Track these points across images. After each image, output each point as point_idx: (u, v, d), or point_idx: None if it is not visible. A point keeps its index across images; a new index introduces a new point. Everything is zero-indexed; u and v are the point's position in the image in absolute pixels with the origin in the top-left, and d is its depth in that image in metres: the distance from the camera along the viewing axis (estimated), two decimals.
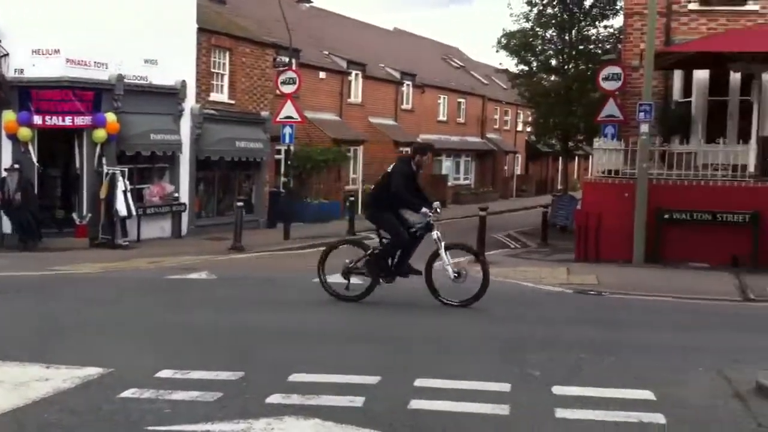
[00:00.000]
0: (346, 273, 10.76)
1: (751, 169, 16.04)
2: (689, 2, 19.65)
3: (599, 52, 29.37)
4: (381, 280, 10.65)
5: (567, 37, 30.11)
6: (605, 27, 30.38)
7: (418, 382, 6.60)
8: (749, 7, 19.25)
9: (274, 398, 6.06)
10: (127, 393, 6.14)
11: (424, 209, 10.26)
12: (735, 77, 18.73)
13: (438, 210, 10.40)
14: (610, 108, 19.69)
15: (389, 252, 10.58)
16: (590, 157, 24.48)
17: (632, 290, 12.76)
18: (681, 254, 15.47)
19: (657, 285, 13.25)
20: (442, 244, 10.39)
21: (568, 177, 37.28)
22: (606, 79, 19.77)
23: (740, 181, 15.75)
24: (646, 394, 6.35)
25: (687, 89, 19.88)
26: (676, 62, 17.96)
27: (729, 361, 7.54)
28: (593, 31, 30.38)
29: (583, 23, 30.02)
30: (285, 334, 8.82)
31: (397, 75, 39.10)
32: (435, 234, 10.33)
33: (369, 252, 10.69)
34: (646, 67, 16.46)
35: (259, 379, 6.61)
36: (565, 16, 29.78)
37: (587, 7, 29.86)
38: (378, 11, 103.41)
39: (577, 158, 52.06)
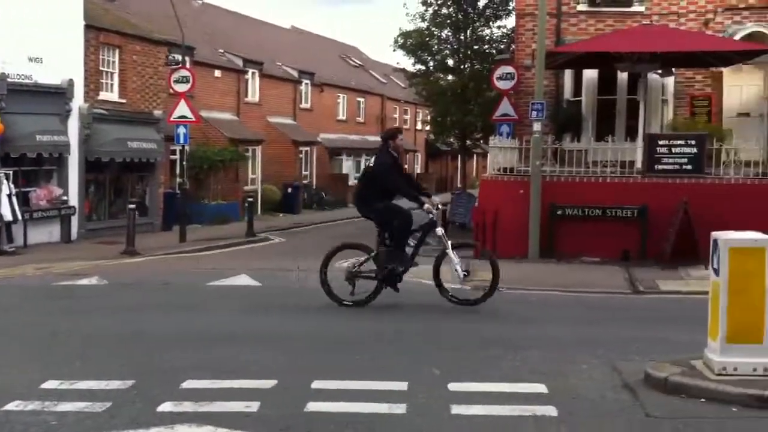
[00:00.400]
0: (351, 277, 10.30)
1: (639, 165, 16.61)
2: (578, 3, 20.21)
3: (494, 52, 29.90)
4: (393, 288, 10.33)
5: (462, 37, 30.53)
6: (499, 27, 31.01)
7: (316, 384, 6.54)
8: (635, 8, 19.94)
9: (166, 406, 5.88)
10: (11, 406, 5.87)
11: (427, 206, 10.09)
12: (622, 77, 19.38)
13: (439, 206, 10.15)
14: (505, 107, 20.05)
15: (402, 237, 10.18)
16: (488, 155, 24.93)
17: (528, 285, 13.01)
18: (574, 249, 15.88)
19: (552, 280, 13.56)
20: (449, 243, 10.28)
21: (466, 175, 37.89)
22: (500, 78, 20.12)
23: (628, 177, 16.29)
24: (540, 388, 6.47)
25: (577, 88, 20.44)
26: (566, 62, 18.42)
27: (620, 352, 7.75)
28: (487, 31, 30.94)
29: (477, 23, 30.50)
30: (179, 339, 8.58)
31: (295, 74, 38.84)
32: (440, 231, 10.18)
33: (373, 254, 10.29)
34: (537, 66, 16.83)
35: (151, 388, 6.41)
36: (459, 16, 30.19)
37: (481, 7, 30.36)
38: (275, 9, 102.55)
39: (475, 156, 52.95)
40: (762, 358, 6.25)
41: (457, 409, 5.91)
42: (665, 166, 15.93)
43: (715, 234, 6.58)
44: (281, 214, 33.31)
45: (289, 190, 34.87)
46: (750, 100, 19.85)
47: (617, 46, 17.09)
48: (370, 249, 10.48)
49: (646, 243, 15.55)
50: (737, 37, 18.94)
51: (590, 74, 20.06)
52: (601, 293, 12.54)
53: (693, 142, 15.89)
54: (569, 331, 9.18)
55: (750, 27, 19.23)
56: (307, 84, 39.79)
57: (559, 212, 16.11)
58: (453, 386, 6.52)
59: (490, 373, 7.00)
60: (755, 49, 17.52)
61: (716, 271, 6.40)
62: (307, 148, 39.11)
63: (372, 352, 7.88)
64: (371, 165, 10.41)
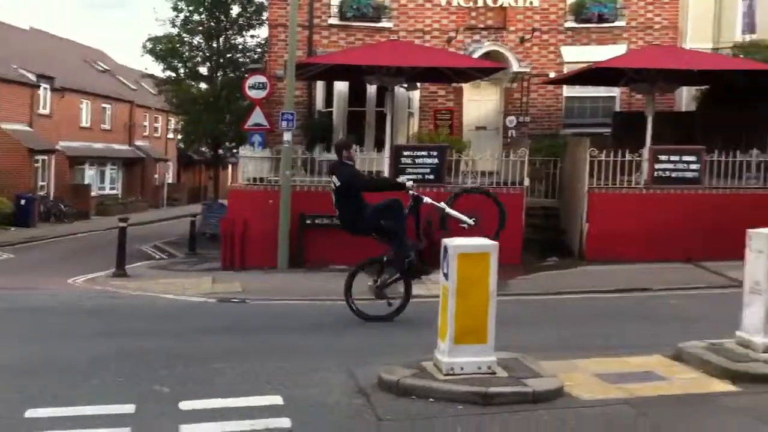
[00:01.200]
0: (380, 291, 10.18)
1: (386, 174, 17.02)
2: (329, 17, 20.49)
3: (247, 61, 29.66)
4: (420, 276, 10.40)
5: (215, 45, 29.99)
6: (252, 36, 30.83)
7: (30, 413, 5.99)
8: (383, 24, 20.57)
9: None
10: None
11: (408, 183, 10.34)
12: (371, 89, 19.87)
13: (414, 183, 10.45)
14: (257, 116, 19.79)
15: (404, 243, 10.01)
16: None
17: (275, 295, 12.86)
18: (324, 258, 15.93)
19: (299, 289, 13.49)
20: (442, 203, 10.61)
21: (219, 185, 37.20)
22: (252, 87, 19.84)
23: None
24: (276, 399, 6.33)
25: (329, 100, 20.69)
26: (317, 73, 18.54)
27: (358, 358, 7.75)
28: (240, 39, 30.64)
29: (230, 32, 30.11)
30: None
31: (33, 77, 36.03)
32: (426, 199, 10.22)
33: (385, 259, 10.14)
34: (288, 77, 16.79)
35: None
36: (212, 23, 29.65)
37: (234, 16, 30.01)
38: (14, 8, 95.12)
39: (230, 166, 52.25)
40: (486, 356, 6.49)
41: (186, 429, 5.65)
42: (410, 176, 16.43)
43: (445, 240, 6.75)
44: (13, 228, 30.61)
45: (23, 201, 32.09)
46: (488, 114, 21.15)
47: (365, 60, 17.45)
48: (380, 257, 10.35)
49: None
50: (476, 55, 20.10)
51: (341, 86, 20.39)
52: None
53: (435, 153, 16.56)
54: (311, 339, 9.10)
55: (488, 46, 20.50)
56: (46, 88, 37.04)
57: (308, 222, 16.12)
58: (184, 405, 6.22)
59: (225, 388, 6.73)
60: (491, 66, 18.66)
61: (446, 276, 6.57)
62: (45, 157, 36.37)
63: (98, 375, 7.28)
64: (337, 183, 10.15)
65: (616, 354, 7.58)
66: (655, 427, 5.65)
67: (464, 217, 10.53)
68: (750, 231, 7.35)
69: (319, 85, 20.74)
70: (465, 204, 11.23)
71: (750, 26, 20.16)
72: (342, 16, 20.50)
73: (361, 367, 7.30)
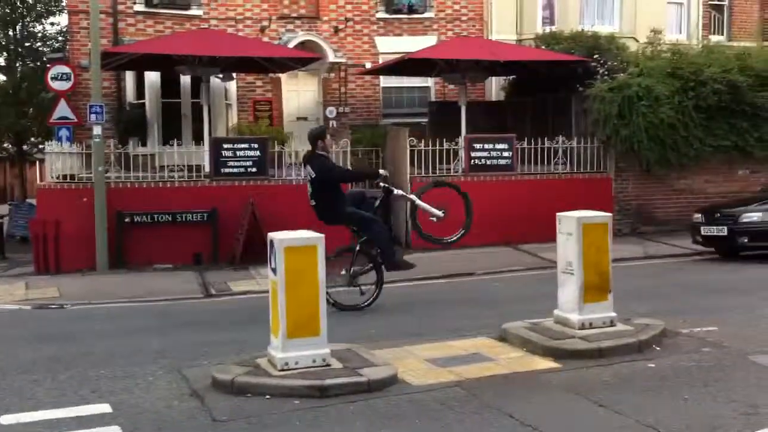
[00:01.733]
0: (353, 280, 10.18)
1: (207, 169, 16.65)
2: (135, 3, 19.69)
3: (47, 50, 28.01)
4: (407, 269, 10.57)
5: (12, 33, 28.07)
6: (52, 24, 29.13)
7: None
8: (193, 11, 20.01)
9: None
10: None
11: (382, 172, 10.58)
12: (186, 80, 19.30)
13: (387, 174, 10.70)
14: (63, 109, 18.75)
15: (384, 238, 10.20)
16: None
17: (96, 299, 12.30)
18: (146, 257, 15.37)
19: (121, 291, 12.97)
20: (412, 195, 10.68)
21: (27, 184, 35.01)
22: (55, 78, 18.76)
23: (197, 181, 16.24)
24: (104, 407, 6.12)
25: (141, 91, 19.90)
26: (126, 63, 17.77)
27: (189, 359, 7.60)
28: (40, 27, 28.85)
29: (27, 19, 28.26)
30: None
31: None
32: (397, 191, 10.49)
33: (357, 249, 10.17)
34: (93, 67, 15.98)
35: None
36: (6, 9, 27.69)
37: (31, 2, 28.20)
38: None
39: (38, 163, 49.20)
40: (320, 349, 6.53)
41: None
42: (231, 170, 16.18)
43: (271, 234, 6.71)
44: None
45: None
46: (307, 105, 21.15)
47: (175, 49, 16.90)
48: (352, 247, 10.36)
49: (218, 246, 15.64)
50: (291, 45, 20.00)
51: (153, 77, 19.67)
52: (173, 300, 12.26)
53: (256, 146, 16.36)
54: (138, 343, 8.77)
55: (302, 35, 20.46)
56: None
57: (127, 220, 15.48)
58: (5, 419, 5.91)
59: (49, 399, 6.43)
60: (307, 56, 18.66)
61: (274, 270, 6.53)
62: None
63: None
64: (312, 174, 10.12)
65: (446, 338, 7.86)
66: (485, 406, 5.90)
67: (434, 210, 10.55)
68: (559, 215, 7.82)
69: (129, 76, 19.90)
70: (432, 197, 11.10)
71: (550, 19, 21.39)
72: (149, 2, 19.72)
73: (194, 368, 7.16)
